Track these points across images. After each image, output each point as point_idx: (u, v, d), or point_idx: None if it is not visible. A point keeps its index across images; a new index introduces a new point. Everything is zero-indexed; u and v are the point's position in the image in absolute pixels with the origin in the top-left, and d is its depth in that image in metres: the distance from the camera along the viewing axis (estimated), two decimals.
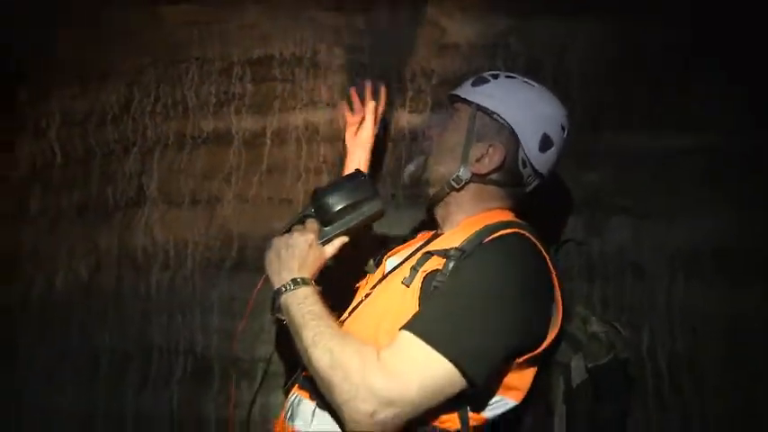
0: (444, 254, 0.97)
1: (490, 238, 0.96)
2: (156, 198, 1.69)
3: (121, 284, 1.69)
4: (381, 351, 0.90)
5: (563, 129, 1.12)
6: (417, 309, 0.94)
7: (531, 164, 1.10)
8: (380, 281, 1.14)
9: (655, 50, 1.71)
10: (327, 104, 1.70)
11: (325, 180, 1.68)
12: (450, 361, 0.86)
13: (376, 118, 1.40)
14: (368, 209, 1.12)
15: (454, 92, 1.16)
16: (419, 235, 1.26)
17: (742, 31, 1.70)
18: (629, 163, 1.70)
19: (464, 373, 0.86)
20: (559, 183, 1.63)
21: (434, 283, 0.94)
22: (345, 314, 1.13)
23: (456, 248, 0.96)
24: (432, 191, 1.14)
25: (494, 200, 1.11)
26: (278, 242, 1.08)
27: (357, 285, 1.27)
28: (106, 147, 1.76)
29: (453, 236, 1.05)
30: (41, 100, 1.83)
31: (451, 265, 0.94)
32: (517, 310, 0.91)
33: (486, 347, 0.88)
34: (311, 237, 1.08)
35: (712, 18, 1.70)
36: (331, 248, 1.11)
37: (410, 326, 0.89)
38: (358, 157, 1.38)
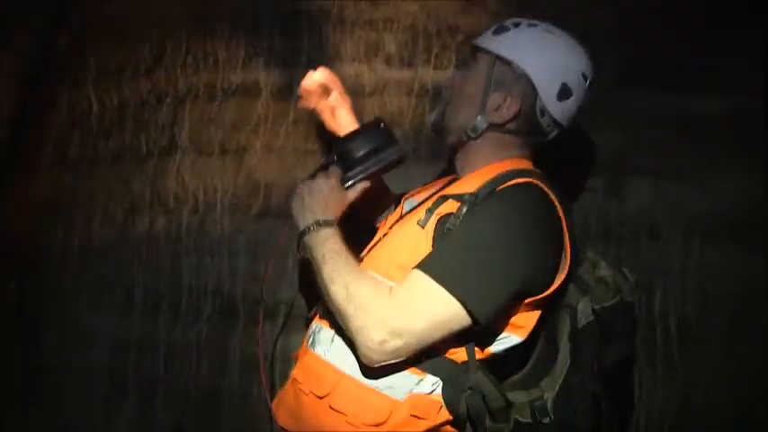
0: (459, 198, 1.00)
1: (504, 185, 0.98)
2: (188, 147, 1.74)
3: (154, 227, 1.74)
4: (394, 287, 0.96)
5: (584, 78, 1.11)
6: (430, 249, 0.99)
7: (549, 113, 1.09)
8: (398, 221, 1.18)
9: (685, 9, 1.68)
10: (353, 59, 1.71)
11: None
12: (457, 299, 0.91)
13: (328, 80, 1.37)
14: (388, 154, 1.14)
15: (476, 41, 1.16)
16: (438, 179, 1.28)
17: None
18: (652, 124, 1.68)
19: (469, 312, 0.92)
20: (581, 142, 1.60)
21: (448, 225, 0.97)
22: (364, 252, 1.17)
23: (471, 193, 0.98)
24: (450, 139, 1.15)
25: (512, 148, 1.12)
26: (302, 187, 1.11)
27: (377, 225, 1.30)
28: (139, 98, 1.81)
29: (470, 181, 1.08)
30: (79, 51, 1.87)
31: (465, 209, 0.97)
32: (524, 255, 0.95)
33: (492, 289, 0.93)
34: (333, 181, 1.11)
35: None
36: (353, 193, 1.13)
37: (422, 265, 0.94)
38: (344, 120, 1.37)
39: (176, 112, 1.78)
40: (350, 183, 1.14)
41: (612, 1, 1.68)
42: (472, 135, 1.11)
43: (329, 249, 1.01)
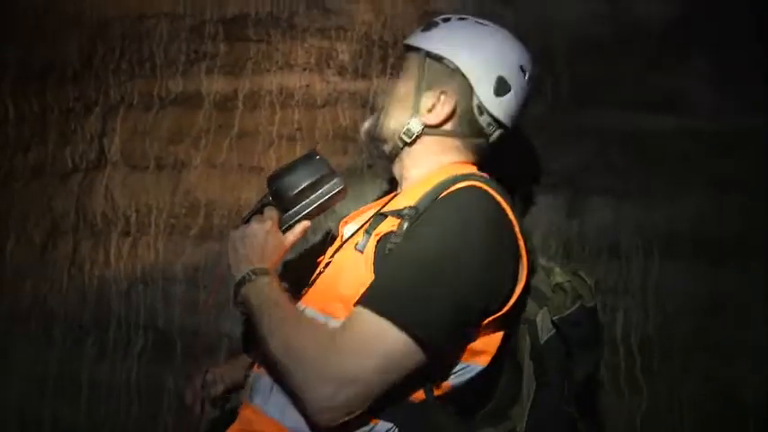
0: (398, 214, 0.86)
1: (445, 192, 0.85)
2: (118, 161, 1.50)
3: (78, 251, 1.45)
4: (337, 330, 0.80)
5: (523, 71, 0.97)
6: (372, 274, 0.83)
7: (487, 110, 0.96)
8: (338, 249, 1.02)
9: (642, 29, 1.60)
10: (304, 69, 1.50)
11: (298, 149, 1.48)
12: (404, 330, 0.76)
13: None
14: (327, 188, 1.00)
15: (405, 42, 1.02)
16: (379, 199, 1.14)
17: (729, 15, 1.59)
18: (610, 142, 1.59)
19: (420, 343, 0.76)
20: (539, 160, 1.50)
21: (388, 246, 0.83)
22: (307, 287, 1.01)
23: (410, 207, 0.85)
24: (386, 148, 1.01)
25: (452, 152, 0.98)
26: (235, 234, 0.98)
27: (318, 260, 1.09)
28: (65, 105, 1.53)
29: (409, 193, 0.92)
30: None
31: (405, 225, 0.83)
32: (475, 268, 0.80)
33: (443, 312, 0.78)
34: (269, 225, 0.98)
35: (708, 2, 1.58)
36: (292, 235, 1.00)
37: (363, 299, 0.80)
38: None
39: (106, 122, 1.53)
40: (287, 225, 1.00)
41: (569, 19, 1.58)
42: (407, 140, 0.97)
43: (266, 299, 0.88)
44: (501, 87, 0.95)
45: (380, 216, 0.90)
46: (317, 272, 1.02)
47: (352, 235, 1.00)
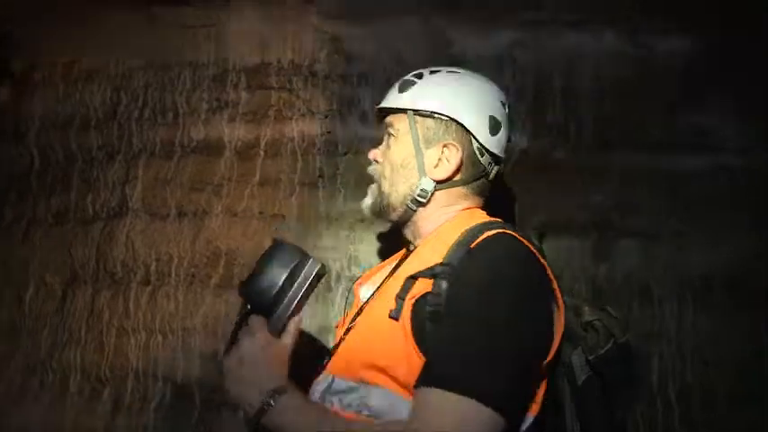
0: (430, 273, 0.83)
1: (476, 243, 0.83)
2: (140, 209, 1.45)
3: (97, 300, 1.40)
4: (410, 421, 0.75)
5: (503, 105, 1.00)
6: (413, 342, 0.80)
7: (487, 150, 0.97)
8: (359, 314, 0.97)
9: (669, 66, 1.56)
10: (325, 116, 1.45)
11: (321, 195, 1.41)
12: (486, 404, 0.73)
13: None
14: (306, 273, 0.90)
15: (383, 104, 1.01)
16: (388, 258, 1.10)
17: (758, 50, 1.51)
18: (639, 183, 1.53)
19: (502, 412, 0.73)
20: (566, 202, 1.44)
21: (428, 308, 0.80)
22: (328, 356, 0.96)
23: (441, 264, 0.82)
24: (395, 215, 0.99)
25: (461, 200, 0.98)
26: (229, 361, 0.86)
27: (335, 325, 1.02)
28: (88, 153, 1.52)
29: (429, 249, 0.90)
30: (23, 100, 1.53)
31: (444, 285, 0.80)
32: (526, 322, 0.79)
33: (514, 376, 0.77)
34: (262, 336, 0.87)
35: (729, 36, 1.57)
36: (289, 336, 0.90)
37: (429, 379, 0.76)
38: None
39: (129, 170, 1.51)
40: (280, 327, 0.89)
41: (591, 60, 1.54)
42: (422, 201, 0.96)
43: (304, 421, 0.79)
44: (494, 126, 0.98)
45: (410, 279, 0.85)
46: (338, 338, 0.96)
47: (371, 298, 0.96)
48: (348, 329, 0.94)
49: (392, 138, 0.99)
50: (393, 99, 1.00)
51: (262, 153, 1.52)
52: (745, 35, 1.55)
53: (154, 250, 1.48)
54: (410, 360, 0.78)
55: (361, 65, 1.55)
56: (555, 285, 0.86)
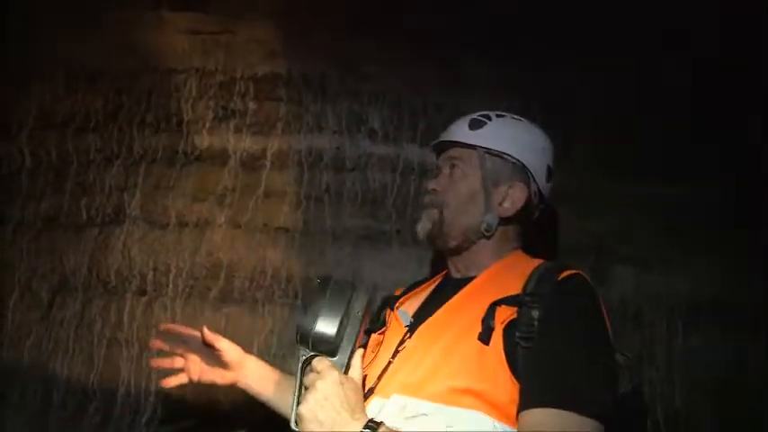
0: (515, 301, 0.86)
1: (561, 278, 0.87)
2: (138, 216, 1.38)
3: (88, 310, 1.31)
4: None
5: (554, 156, 1.06)
6: (506, 365, 0.82)
7: (542, 196, 1.03)
8: (408, 336, 0.95)
9: (663, 101, 1.59)
10: (334, 132, 1.42)
11: (327, 209, 1.38)
12: (587, 415, 0.77)
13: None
14: (358, 307, 0.92)
15: (452, 138, 1.04)
16: (425, 282, 1.10)
17: (745, 88, 1.59)
18: (633, 212, 1.56)
19: (601, 420, 0.78)
20: (566, 229, 1.47)
21: (519, 335, 0.82)
22: (371, 379, 0.94)
23: (528, 294, 0.86)
24: (454, 243, 1.01)
25: (514, 239, 1.03)
26: (307, 408, 0.82)
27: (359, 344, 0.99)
28: (85, 155, 1.42)
29: (503, 280, 0.92)
30: (19, 96, 1.44)
31: (535, 313, 0.83)
32: (609, 345, 0.85)
33: (608, 389, 0.82)
34: (335, 375, 0.85)
35: (722, 74, 1.60)
36: (357, 370, 0.90)
37: (532, 401, 0.78)
38: (253, 372, 1.10)
39: (128, 176, 1.42)
40: (347, 365, 0.89)
41: (594, 90, 1.56)
42: (487, 234, 0.99)
43: None
44: (549, 174, 1.04)
45: (493, 306, 0.87)
46: (385, 360, 0.94)
47: (419, 320, 0.94)
48: (396, 353, 0.93)
49: (458, 171, 1.01)
50: (463, 135, 1.03)
51: (268, 165, 1.48)
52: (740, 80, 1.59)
53: (151, 260, 1.41)
54: (505, 383, 0.80)
55: (371, 83, 1.53)
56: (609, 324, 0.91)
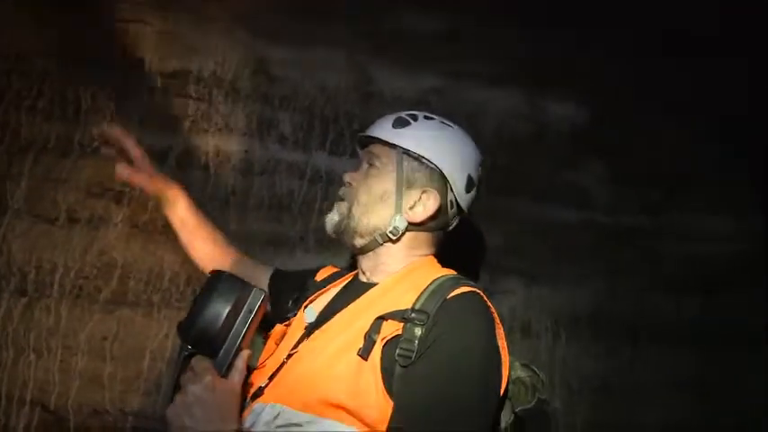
0: (402, 317, 0.83)
1: (451, 296, 0.84)
2: (22, 209, 1.26)
3: None
4: None
5: (480, 167, 1.04)
6: (381, 383, 0.79)
7: (458, 205, 1.00)
8: (305, 337, 0.94)
9: (559, 130, 1.75)
10: (244, 134, 1.39)
11: (232, 213, 1.35)
12: None
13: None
14: (250, 305, 0.83)
15: (373, 134, 1.00)
16: (333, 281, 1.07)
17: (632, 125, 1.76)
18: (526, 230, 1.69)
19: None
20: (465, 241, 1.48)
21: (399, 352, 0.79)
22: (263, 377, 0.90)
23: (414, 310, 0.83)
24: (360, 241, 0.98)
25: (423, 246, 0.99)
26: (174, 411, 0.77)
27: (265, 334, 0.97)
28: None
29: (400, 292, 0.89)
30: None
31: (418, 331, 0.80)
32: (492, 375, 0.83)
33: (480, 422, 0.80)
34: (209, 378, 0.79)
35: (610, 110, 1.79)
36: (237, 374, 0.82)
37: (401, 423, 0.76)
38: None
39: (11, 164, 1.27)
40: (227, 366, 0.81)
41: (494, 114, 1.68)
42: (393, 237, 0.96)
43: None
44: (469, 184, 1.00)
45: (379, 320, 0.84)
46: (279, 360, 0.90)
47: (317, 326, 0.92)
48: (290, 354, 0.89)
49: (374, 168, 0.97)
50: (385, 132, 0.98)
51: (172, 163, 1.41)
52: (623, 113, 1.77)
53: (35, 256, 1.30)
54: (378, 401, 0.77)
55: (284, 88, 1.51)
56: (503, 344, 0.89)
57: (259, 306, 0.83)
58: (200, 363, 0.80)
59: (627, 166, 1.72)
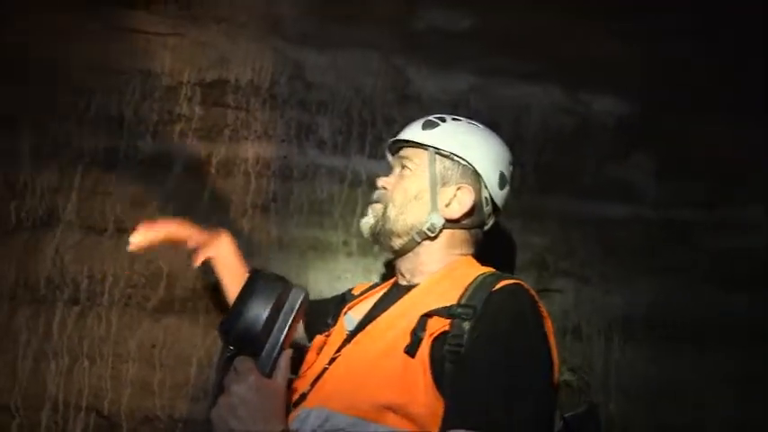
0: (448, 313, 0.81)
1: (496, 289, 0.82)
2: (73, 221, 1.29)
3: (14, 319, 1.25)
4: None
5: (511, 165, 1.04)
6: (431, 379, 0.77)
7: (493, 202, 1.00)
8: (345, 343, 0.92)
9: (603, 124, 1.67)
10: (282, 140, 1.38)
11: (273, 218, 1.34)
12: None
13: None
14: (291, 303, 0.80)
15: (403, 137, 1.01)
16: (373, 287, 1.07)
17: (679, 116, 1.70)
18: (573, 228, 1.61)
19: None
20: (510, 242, 1.50)
21: (448, 348, 0.77)
22: (305, 384, 0.89)
23: (461, 305, 0.81)
24: (398, 242, 0.97)
25: (462, 246, 0.98)
26: (218, 413, 0.74)
27: (304, 345, 0.96)
28: (14, 154, 1.28)
29: (444, 289, 0.87)
30: None
31: (466, 326, 0.78)
32: (545, 365, 0.80)
33: (535, 416, 0.75)
34: (253, 379, 0.76)
35: (656, 101, 1.70)
36: (281, 374, 0.79)
37: (454, 420, 0.72)
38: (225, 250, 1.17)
39: (63, 178, 1.29)
40: (271, 366, 0.77)
41: (536, 111, 1.62)
42: (431, 234, 0.95)
43: None
44: (502, 181, 1.00)
45: (425, 317, 0.82)
46: (320, 366, 0.89)
47: (360, 330, 0.90)
48: (333, 359, 0.88)
49: (407, 170, 0.98)
50: (415, 134, 1.00)
51: (213, 171, 1.42)
52: (670, 104, 1.68)
53: (86, 267, 1.32)
54: (428, 398, 0.75)
55: (321, 93, 1.50)
56: (552, 338, 0.86)
57: (300, 304, 0.80)
58: (243, 363, 0.77)
59: (675, 159, 1.63)
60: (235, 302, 0.79)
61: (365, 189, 1.48)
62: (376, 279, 1.41)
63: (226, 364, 0.77)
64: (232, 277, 1.15)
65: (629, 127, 1.65)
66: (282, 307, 0.78)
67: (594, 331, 1.54)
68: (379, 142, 1.52)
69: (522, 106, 1.59)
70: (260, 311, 0.77)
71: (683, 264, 1.61)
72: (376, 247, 1.37)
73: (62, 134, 1.39)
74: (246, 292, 0.79)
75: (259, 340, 0.77)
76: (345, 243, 1.44)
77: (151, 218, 1.35)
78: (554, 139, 1.61)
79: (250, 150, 1.46)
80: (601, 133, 1.64)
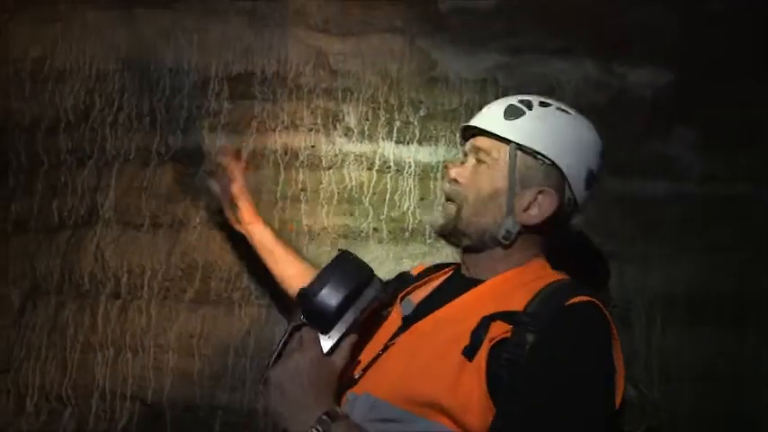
0: (511, 319, 0.75)
1: (568, 304, 0.76)
2: (111, 218, 1.32)
3: (61, 314, 1.25)
4: None
5: (602, 157, 0.91)
6: (485, 386, 0.73)
7: (576, 204, 0.89)
8: (401, 330, 0.88)
9: (640, 97, 1.57)
10: (310, 129, 1.37)
11: (303, 209, 1.33)
12: None
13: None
14: (369, 293, 0.81)
15: (482, 125, 0.89)
16: (434, 273, 1.00)
17: (722, 85, 1.56)
18: (609, 206, 1.51)
19: None
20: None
21: (507, 356, 0.73)
22: (358, 368, 0.86)
23: (525, 314, 0.76)
24: (467, 242, 0.90)
25: (536, 247, 0.90)
26: (276, 374, 0.75)
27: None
28: (56, 157, 1.34)
29: (511, 293, 0.82)
30: None
31: (529, 337, 0.73)
32: (603, 394, 0.75)
33: None
34: (314, 353, 0.76)
35: (696, 70, 1.58)
36: (341, 356, 0.79)
37: (511, 428, 0.69)
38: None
39: (100, 177, 1.35)
40: (333, 346, 0.78)
41: (568, 85, 1.55)
42: (505, 241, 0.87)
43: None
44: (589, 180, 0.89)
45: (487, 319, 0.77)
46: (374, 351, 0.86)
47: (416, 318, 0.87)
48: (387, 346, 0.85)
49: (483, 164, 0.88)
50: (496, 123, 0.88)
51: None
52: (712, 72, 1.56)
53: (126, 261, 1.35)
54: (480, 406, 0.71)
55: (347, 80, 1.47)
56: (621, 363, 0.81)
57: (377, 295, 0.81)
58: (309, 334, 0.78)
59: (720, 131, 1.52)
60: (320, 274, 0.80)
61: (394, 174, 1.45)
62: (407, 266, 1.38)
63: (294, 330, 0.78)
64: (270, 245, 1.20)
65: (669, 99, 1.55)
66: (361, 294, 0.79)
67: (636, 314, 1.46)
68: (407, 127, 1.48)
69: (553, 82, 1.51)
70: (339, 292, 0.78)
71: (727, 241, 1.51)
72: (407, 234, 1.34)
73: (98, 135, 1.41)
74: (331, 270, 0.80)
75: (330, 319, 0.77)
76: (376, 230, 1.41)
77: (185, 212, 1.36)
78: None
79: (278, 142, 1.44)
80: (638, 107, 1.54)
